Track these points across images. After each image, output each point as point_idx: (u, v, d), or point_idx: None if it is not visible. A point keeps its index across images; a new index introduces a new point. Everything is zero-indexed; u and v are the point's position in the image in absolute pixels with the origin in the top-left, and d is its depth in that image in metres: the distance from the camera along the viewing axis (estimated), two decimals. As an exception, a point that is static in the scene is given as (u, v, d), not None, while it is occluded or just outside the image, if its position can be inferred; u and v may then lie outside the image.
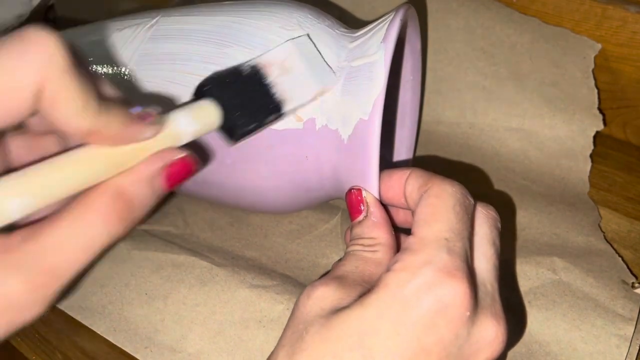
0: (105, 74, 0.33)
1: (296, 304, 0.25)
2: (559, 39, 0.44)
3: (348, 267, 0.25)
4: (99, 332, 0.33)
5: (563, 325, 0.32)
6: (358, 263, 0.25)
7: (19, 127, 0.22)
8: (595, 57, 0.43)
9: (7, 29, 0.48)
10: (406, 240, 0.24)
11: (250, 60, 0.28)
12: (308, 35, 0.30)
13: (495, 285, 0.25)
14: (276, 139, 0.30)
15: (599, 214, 0.39)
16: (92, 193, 0.20)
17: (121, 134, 0.21)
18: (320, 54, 0.30)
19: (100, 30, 0.36)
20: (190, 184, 0.35)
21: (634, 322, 0.32)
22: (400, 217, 0.29)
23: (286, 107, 0.28)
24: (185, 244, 0.37)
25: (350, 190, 0.28)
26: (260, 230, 0.39)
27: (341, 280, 0.24)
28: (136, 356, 0.32)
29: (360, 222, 0.27)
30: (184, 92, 0.31)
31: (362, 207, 0.28)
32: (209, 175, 0.33)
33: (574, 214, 0.39)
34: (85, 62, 0.21)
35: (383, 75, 0.27)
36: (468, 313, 0.22)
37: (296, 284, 0.35)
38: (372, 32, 0.30)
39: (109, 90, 0.22)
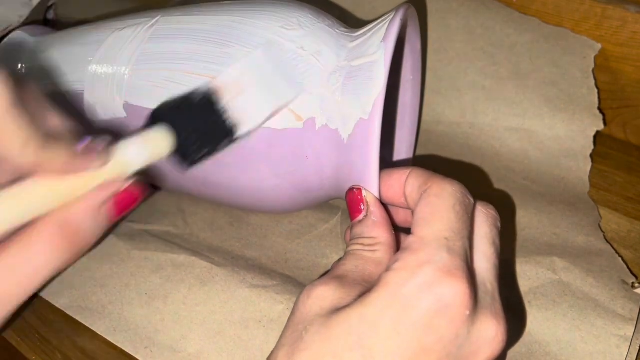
0: (106, 74, 0.33)
1: (296, 304, 0.25)
2: (559, 38, 0.44)
3: (348, 267, 0.25)
4: (99, 332, 0.33)
5: (563, 325, 0.32)
6: (358, 262, 0.25)
7: None
8: (595, 57, 0.43)
9: (8, 28, 0.48)
10: (406, 240, 0.24)
11: (203, 85, 0.28)
12: (264, 50, 0.30)
13: (495, 285, 0.25)
14: (276, 138, 0.30)
15: (599, 214, 0.39)
16: (39, 224, 0.22)
17: (66, 167, 0.22)
18: (280, 68, 0.29)
19: (100, 30, 0.36)
20: (190, 184, 0.35)
21: (634, 322, 0.32)
22: (400, 216, 0.29)
23: (240, 131, 0.28)
24: (185, 244, 0.37)
25: (350, 189, 0.28)
26: (260, 230, 0.39)
27: (341, 280, 0.24)
28: (136, 356, 0.32)
29: (360, 221, 0.27)
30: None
31: (362, 207, 0.28)
32: (209, 175, 0.33)
33: (574, 214, 0.39)
34: (35, 95, 0.22)
35: (383, 74, 0.27)
36: (468, 312, 0.22)
37: (296, 284, 0.35)
38: (372, 32, 0.30)
39: (58, 123, 0.23)
